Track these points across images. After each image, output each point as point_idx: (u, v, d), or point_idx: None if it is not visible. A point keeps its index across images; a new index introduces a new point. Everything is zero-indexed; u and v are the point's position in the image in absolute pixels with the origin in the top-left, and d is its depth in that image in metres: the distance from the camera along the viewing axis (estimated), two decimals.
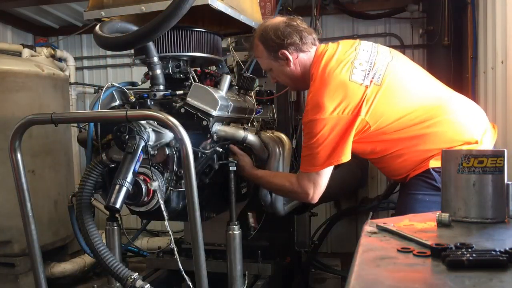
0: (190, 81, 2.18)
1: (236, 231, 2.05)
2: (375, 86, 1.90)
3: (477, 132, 1.94)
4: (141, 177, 1.82)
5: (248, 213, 2.31)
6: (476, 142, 1.90)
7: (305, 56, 2.07)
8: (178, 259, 1.80)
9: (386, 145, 1.98)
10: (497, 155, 1.16)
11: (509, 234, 1.09)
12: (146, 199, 1.83)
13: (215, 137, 2.00)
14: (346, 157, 1.92)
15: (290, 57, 2.05)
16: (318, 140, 1.90)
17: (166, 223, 1.80)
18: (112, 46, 1.92)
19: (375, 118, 1.90)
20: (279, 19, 2.10)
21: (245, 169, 2.14)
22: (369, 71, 1.93)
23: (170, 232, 1.85)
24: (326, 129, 1.88)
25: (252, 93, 2.40)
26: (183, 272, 1.80)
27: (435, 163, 1.87)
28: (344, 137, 1.89)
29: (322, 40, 3.91)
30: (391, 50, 2.11)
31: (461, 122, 1.94)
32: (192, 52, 2.16)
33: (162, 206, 1.81)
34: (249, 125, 2.25)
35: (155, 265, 2.66)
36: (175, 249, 1.84)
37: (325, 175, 1.98)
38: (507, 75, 2.67)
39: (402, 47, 4.38)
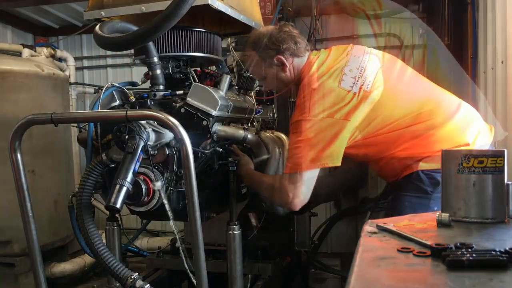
0: (190, 81, 2.18)
1: (236, 231, 2.05)
2: (365, 92, 1.89)
3: (469, 134, 1.94)
4: (141, 177, 1.82)
5: (249, 214, 2.31)
6: (468, 145, 1.90)
7: (299, 61, 2.08)
8: (184, 259, 1.80)
9: (377, 149, 1.98)
10: (497, 155, 1.16)
11: (509, 234, 1.09)
12: (146, 199, 1.83)
13: (215, 137, 2.00)
14: (333, 161, 1.89)
15: (286, 62, 2.05)
16: (302, 140, 1.88)
17: (171, 222, 1.80)
18: (112, 46, 1.93)
19: (365, 124, 1.90)
20: (270, 27, 2.14)
21: (242, 169, 2.12)
22: (358, 77, 1.92)
23: (176, 232, 1.86)
24: (311, 129, 1.86)
25: (252, 93, 2.40)
26: (188, 271, 1.80)
27: (424, 165, 1.88)
28: (331, 141, 1.86)
29: (322, 40, 3.89)
30: (383, 54, 2.10)
31: (452, 125, 1.94)
32: (192, 52, 2.16)
33: (167, 206, 1.81)
34: (249, 125, 2.25)
35: (155, 265, 2.66)
36: (181, 248, 1.84)
37: (308, 178, 1.90)
38: (507, 75, 2.67)
39: (402, 47, 4.37)
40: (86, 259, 3.80)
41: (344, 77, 1.91)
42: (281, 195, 1.94)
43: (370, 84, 1.92)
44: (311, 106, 1.87)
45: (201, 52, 2.19)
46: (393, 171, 2.01)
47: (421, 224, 1.16)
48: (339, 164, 1.91)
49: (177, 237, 1.90)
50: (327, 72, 1.93)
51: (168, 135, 1.85)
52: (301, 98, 1.93)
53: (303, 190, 1.91)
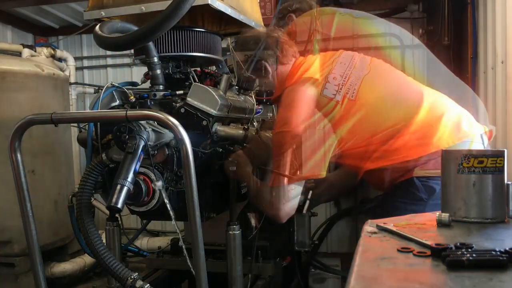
0: (190, 81, 2.18)
1: (236, 231, 2.05)
2: (350, 101, 1.86)
3: (462, 141, 1.88)
4: (141, 177, 1.82)
5: (248, 214, 2.31)
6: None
7: (284, 69, 2.05)
8: (188, 258, 1.79)
9: (365, 160, 1.94)
10: (497, 155, 1.16)
11: (509, 234, 1.09)
12: (146, 199, 1.83)
13: (215, 137, 2.00)
14: (316, 173, 1.87)
15: (270, 68, 2.04)
16: (286, 153, 1.86)
17: (173, 222, 1.80)
18: (112, 46, 1.93)
19: (351, 134, 1.87)
20: (260, 30, 2.11)
21: (238, 170, 2.08)
22: (342, 85, 1.88)
23: (178, 231, 1.86)
24: (293, 141, 1.84)
25: (252, 93, 2.40)
26: (192, 270, 1.79)
27: (419, 171, 1.84)
28: (313, 152, 1.85)
29: (322, 41, 3.89)
30: (372, 60, 2.04)
31: (442, 132, 1.87)
32: (192, 52, 2.16)
33: (168, 206, 1.81)
34: (249, 125, 2.25)
35: (155, 265, 2.65)
36: (184, 247, 1.83)
37: (293, 190, 1.90)
38: (507, 75, 2.67)
39: (402, 47, 4.37)
40: (86, 259, 3.80)
41: (327, 85, 1.88)
42: (267, 207, 1.96)
43: (355, 93, 1.87)
44: (292, 116, 1.85)
45: (201, 52, 2.19)
46: (383, 181, 1.96)
47: (421, 224, 1.16)
48: (323, 175, 1.89)
49: (180, 236, 1.90)
50: (310, 79, 1.91)
51: (168, 135, 1.85)
52: (284, 108, 1.91)
53: (287, 203, 1.91)
